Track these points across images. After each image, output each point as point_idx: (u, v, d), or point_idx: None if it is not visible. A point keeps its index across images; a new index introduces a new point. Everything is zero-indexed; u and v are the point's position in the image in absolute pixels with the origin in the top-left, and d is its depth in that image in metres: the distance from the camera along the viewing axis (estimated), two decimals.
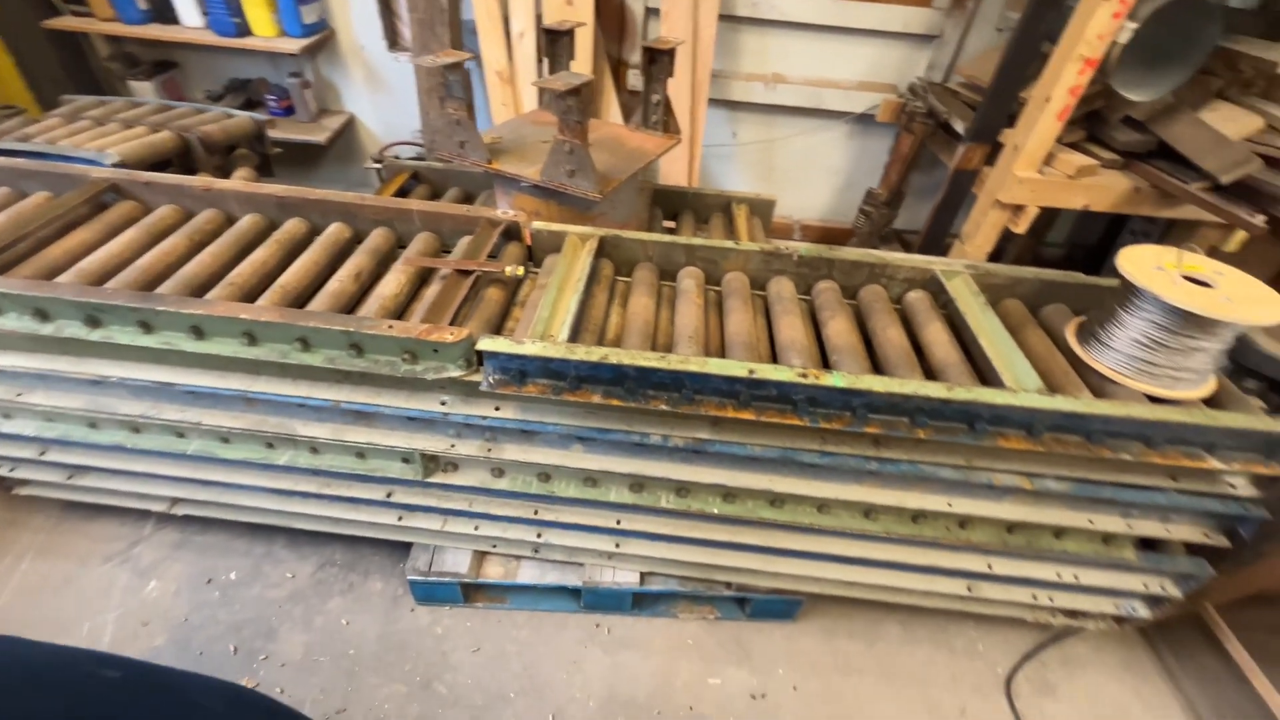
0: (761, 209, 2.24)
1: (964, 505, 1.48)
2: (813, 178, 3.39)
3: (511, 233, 1.69)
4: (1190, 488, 1.40)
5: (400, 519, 1.77)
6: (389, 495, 1.69)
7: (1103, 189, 2.17)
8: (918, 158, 2.97)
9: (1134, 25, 1.86)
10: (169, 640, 1.83)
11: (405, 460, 1.60)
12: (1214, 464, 1.28)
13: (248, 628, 1.87)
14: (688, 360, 1.23)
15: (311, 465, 1.62)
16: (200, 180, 1.69)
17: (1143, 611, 1.73)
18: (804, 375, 1.22)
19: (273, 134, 2.94)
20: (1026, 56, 2.21)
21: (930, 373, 1.42)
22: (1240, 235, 2.22)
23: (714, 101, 3.04)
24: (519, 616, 1.95)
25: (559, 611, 1.96)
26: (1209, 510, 1.41)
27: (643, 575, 1.85)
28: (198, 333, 1.35)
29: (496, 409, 1.43)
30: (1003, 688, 1.89)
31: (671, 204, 2.26)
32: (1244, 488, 1.39)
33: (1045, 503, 1.47)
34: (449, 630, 1.90)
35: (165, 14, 2.81)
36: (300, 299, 1.48)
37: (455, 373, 1.33)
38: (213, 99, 3.11)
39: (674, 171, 2.82)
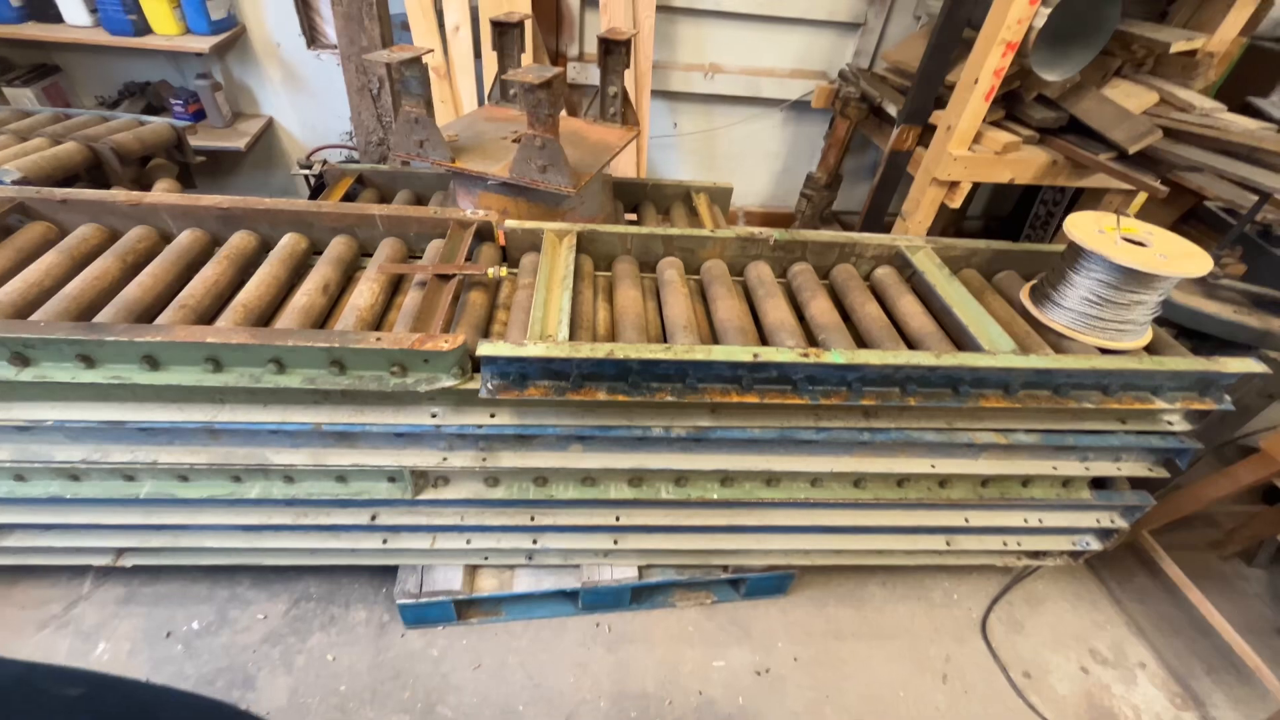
0: (720, 197, 2.28)
1: (945, 465, 1.57)
2: (753, 164, 3.47)
3: (483, 233, 1.63)
4: (1137, 428, 1.55)
5: (385, 541, 1.68)
6: (373, 518, 1.60)
7: (1025, 163, 2.36)
8: (852, 141, 3.11)
9: (1047, 10, 2.02)
10: None
11: (392, 479, 1.52)
12: (1160, 404, 1.43)
13: (221, 679, 1.72)
14: (692, 349, 1.24)
15: (286, 496, 1.51)
16: (127, 195, 1.52)
17: (1095, 545, 1.91)
18: (805, 355, 1.26)
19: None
20: (950, 42, 2.35)
21: (910, 343, 1.50)
22: (1140, 199, 2.47)
23: (655, 93, 3.05)
24: (516, 627, 1.90)
25: (557, 616, 1.93)
26: (1152, 446, 1.57)
27: (640, 569, 1.85)
28: (152, 363, 1.23)
29: (492, 416, 1.38)
30: (979, 631, 2.04)
31: (631, 196, 2.25)
32: (1179, 423, 1.56)
33: (1016, 455, 1.58)
34: (445, 651, 1.83)
35: (44, 11, 2.49)
36: (264, 317, 1.37)
37: (449, 382, 1.28)
38: (107, 106, 2.80)
39: (622, 164, 2.80)
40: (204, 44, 2.51)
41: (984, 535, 1.85)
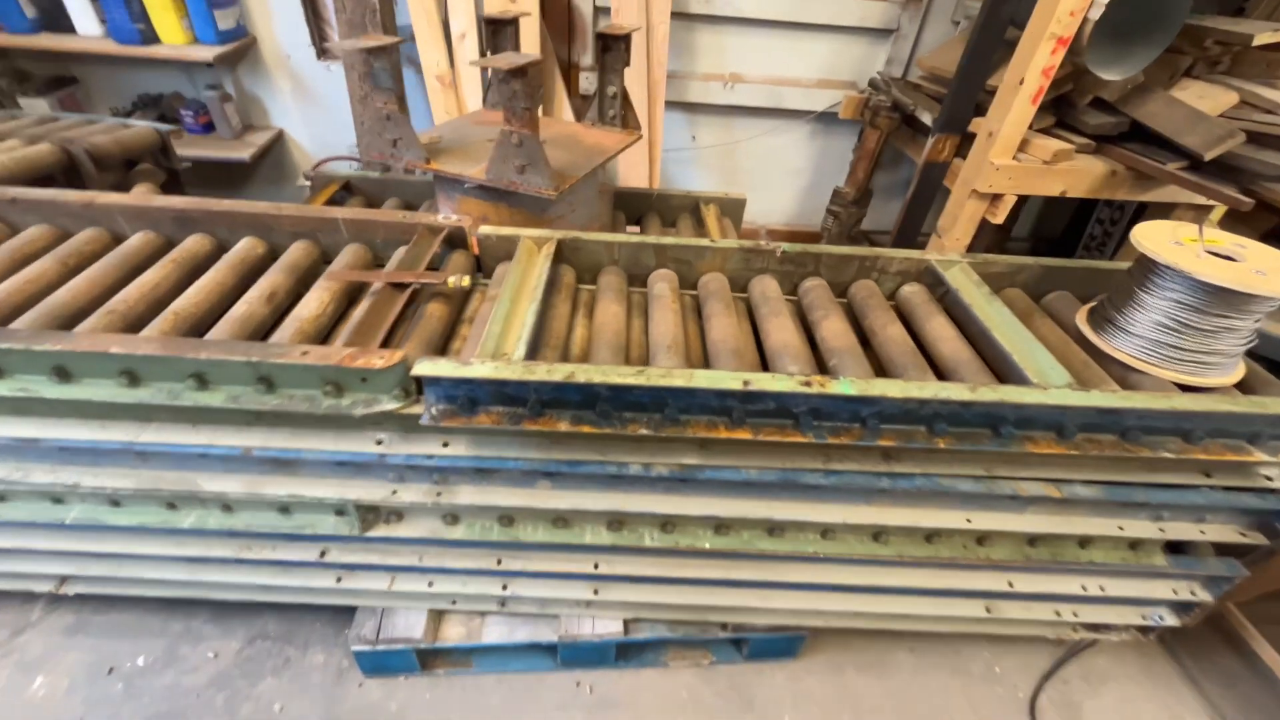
0: (732, 209, 2.09)
1: (984, 520, 1.31)
2: (776, 180, 3.28)
3: (455, 240, 1.47)
4: (1227, 483, 1.27)
5: (340, 580, 1.51)
6: (323, 554, 1.43)
7: (1079, 173, 2.10)
8: (883, 154, 2.89)
9: (1105, 1, 1.79)
10: None
11: (339, 513, 1.34)
12: (1259, 456, 1.15)
13: None
14: (670, 374, 1.04)
15: (225, 526, 1.35)
16: (78, 195, 1.42)
17: (1170, 619, 1.60)
18: (807, 384, 1.04)
19: (191, 153, 2.67)
20: (992, 43, 2.13)
21: (940, 372, 1.26)
22: (1217, 214, 2.17)
23: (672, 104, 2.90)
24: (487, 681, 1.69)
25: (534, 671, 1.71)
26: (1246, 507, 1.28)
27: (627, 623, 1.63)
28: (63, 374, 1.09)
29: (445, 445, 1.20)
30: (1026, 712, 1.73)
31: (634, 207, 2.08)
32: None
33: (1072, 510, 1.32)
34: (405, 705, 1.63)
35: (58, 22, 2.51)
36: (199, 327, 1.23)
37: (390, 405, 1.11)
38: (121, 116, 2.80)
39: (634, 175, 2.65)
40: (210, 53, 2.48)
41: (1032, 602, 1.56)
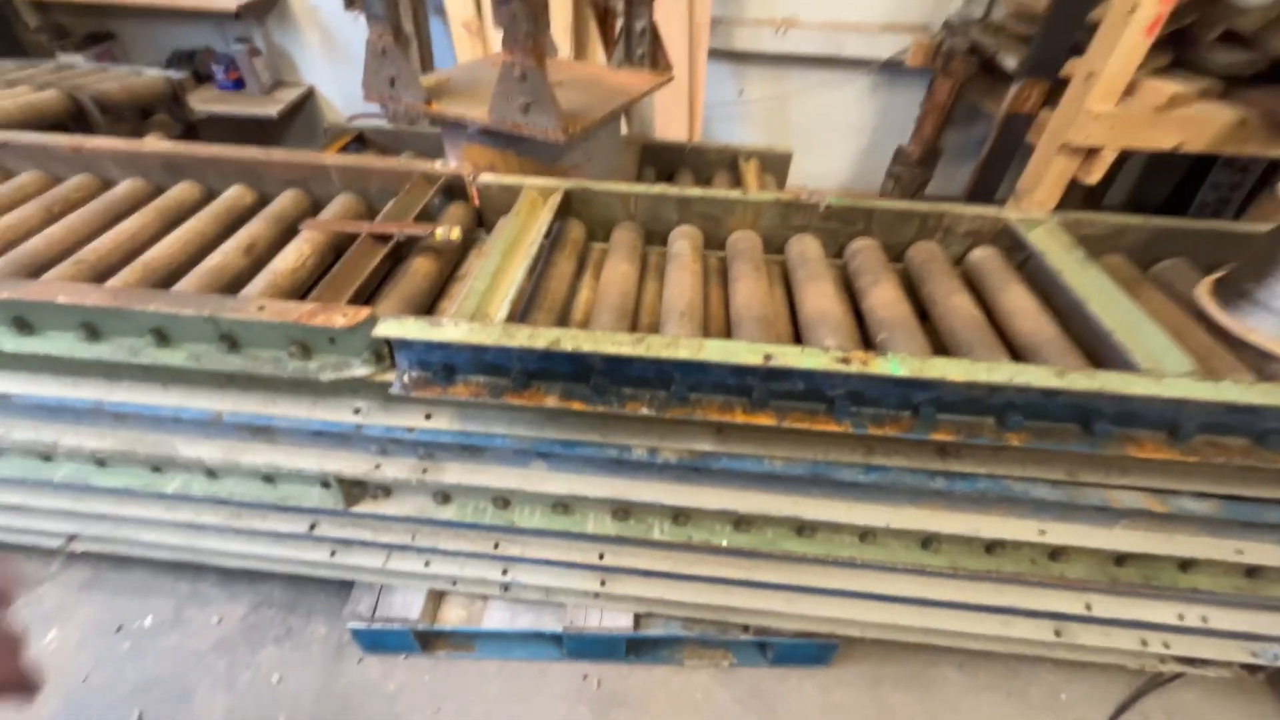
0: (775, 164, 1.86)
1: (1061, 533, 1.09)
2: (832, 139, 2.98)
3: (454, 190, 1.32)
4: None
5: (334, 554, 1.42)
6: (312, 528, 1.34)
7: (1199, 123, 1.75)
8: (955, 108, 2.55)
9: None
10: (62, 706, 1.50)
11: (324, 485, 1.24)
12: None
13: (158, 688, 1.53)
14: (676, 343, 0.86)
15: (210, 493, 1.28)
16: (68, 139, 1.34)
17: None
18: (844, 361, 0.84)
19: (220, 109, 2.62)
20: None
21: (1016, 353, 1.03)
22: None
23: (716, 53, 2.65)
24: (488, 667, 1.59)
25: (538, 660, 1.60)
26: None
27: (638, 617, 1.48)
28: (22, 325, 1.01)
29: (427, 417, 1.07)
30: None
31: (666, 161, 1.88)
32: None
33: (1177, 527, 1.07)
34: (403, 687, 1.55)
35: None
36: (169, 277, 1.13)
37: (361, 370, 0.97)
38: None
39: (672, 130, 2.43)
40: (233, 2, 2.39)
41: (1113, 628, 1.32)
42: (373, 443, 1.14)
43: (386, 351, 0.98)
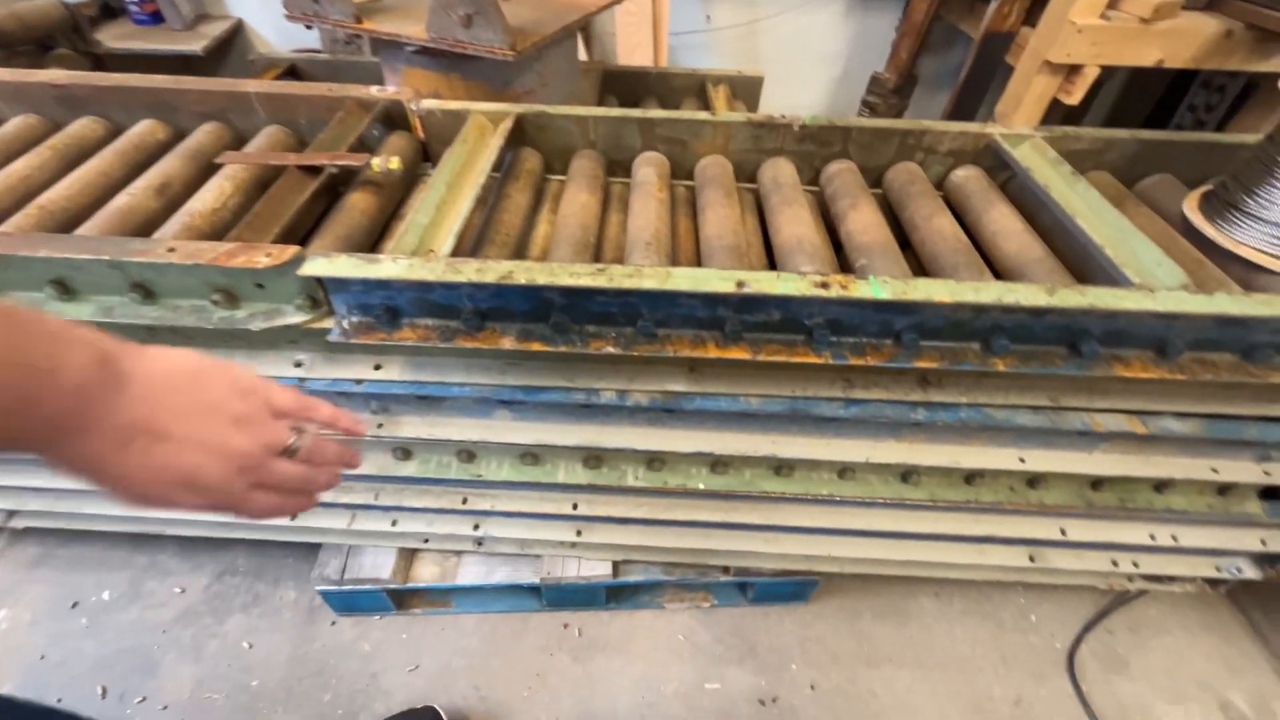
0: (746, 90, 1.74)
1: (1041, 460, 1.07)
2: (804, 68, 2.84)
3: (395, 119, 1.20)
4: None
5: (295, 517, 1.35)
6: None
7: (1182, 36, 1.68)
8: (931, 32, 2.43)
9: None
10: (20, 685, 1.44)
11: None
12: None
13: (121, 661, 1.47)
14: (640, 272, 0.78)
15: None
16: None
17: (1249, 572, 1.36)
18: (823, 285, 0.78)
19: (138, 46, 2.37)
20: None
21: (1002, 275, 0.98)
22: None
23: None
24: (467, 622, 1.57)
25: (518, 612, 1.58)
26: None
27: (616, 564, 1.46)
28: None
29: (376, 368, 0.99)
30: (1064, 667, 1.55)
31: (629, 88, 1.75)
32: None
33: (1156, 449, 1.06)
34: (379, 645, 1.52)
35: None
36: (69, 222, 1.01)
37: (295, 317, 0.88)
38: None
39: (635, 58, 2.27)
40: None
41: (1086, 551, 1.34)
42: (320, 397, 1.05)
43: (323, 295, 0.88)
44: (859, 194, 1.08)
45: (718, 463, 1.15)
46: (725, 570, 1.48)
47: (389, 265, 0.79)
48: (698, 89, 1.73)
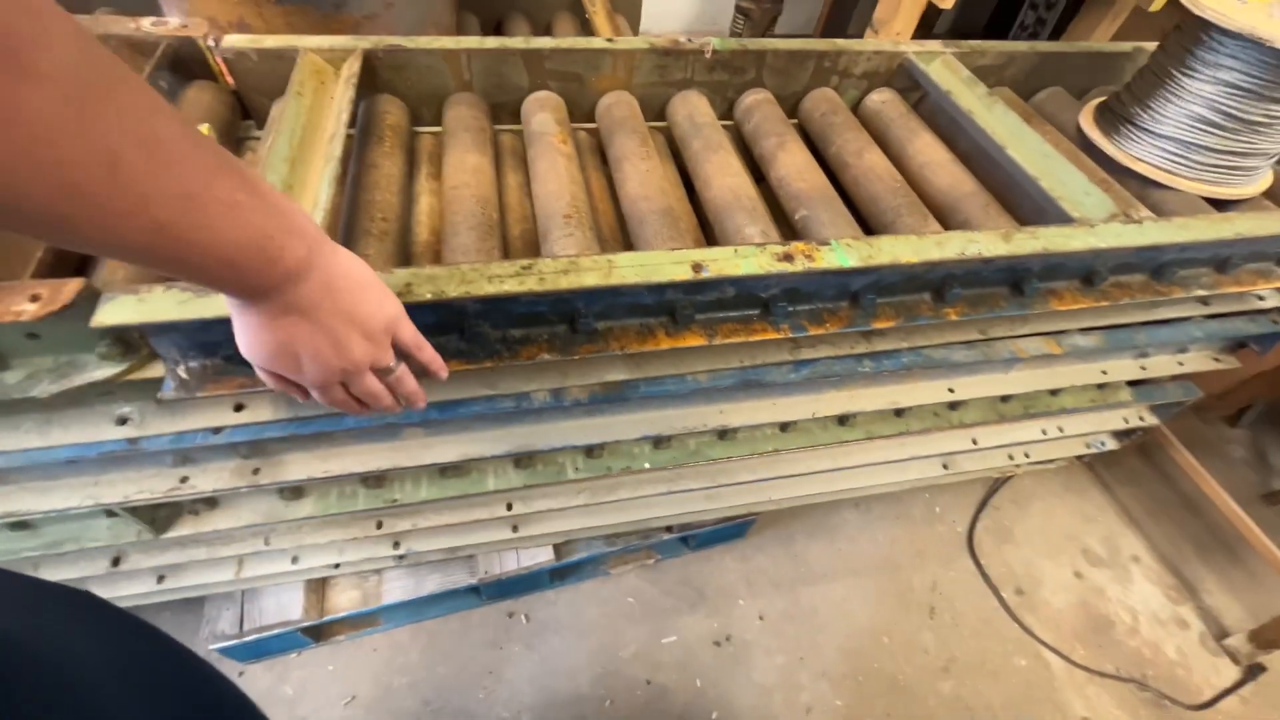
0: (626, 5, 1.52)
1: (967, 388, 1.10)
2: None
3: (186, 64, 0.88)
4: (1221, 310, 1.11)
5: (162, 580, 1.11)
6: (117, 562, 1.01)
7: None
8: None
9: None
10: None
11: (113, 515, 0.91)
12: None
13: None
14: (577, 266, 0.64)
15: None
16: None
17: (1110, 444, 1.57)
18: (787, 258, 0.68)
19: None
20: None
21: (936, 211, 0.94)
22: None
23: None
24: (401, 636, 1.43)
25: (457, 612, 1.47)
26: (1235, 334, 1.14)
27: (557, 548, 1.38)
28: None
29: (238, 409, 0.77)
30: (966, 548, 1.74)
31: (490, 7, 1.46)
32: (1272, 299, 1.12)
33: (1062, 363, 1.13)
34: (304, 685, 1.35)
35: None
36: None
37: (102, 370, 0.64)
38: None
39: None
40: None
41: (990, 452, 1.46)
42: (166, 455, 0.81)
43: (136, 336, 0.64)
44: (784, 130, 0.98)
45: (661, 441, 1.07)
46: (668, 530, 1.46)
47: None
48: (571, 3, 1.49)
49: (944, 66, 1.07)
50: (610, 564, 1.56)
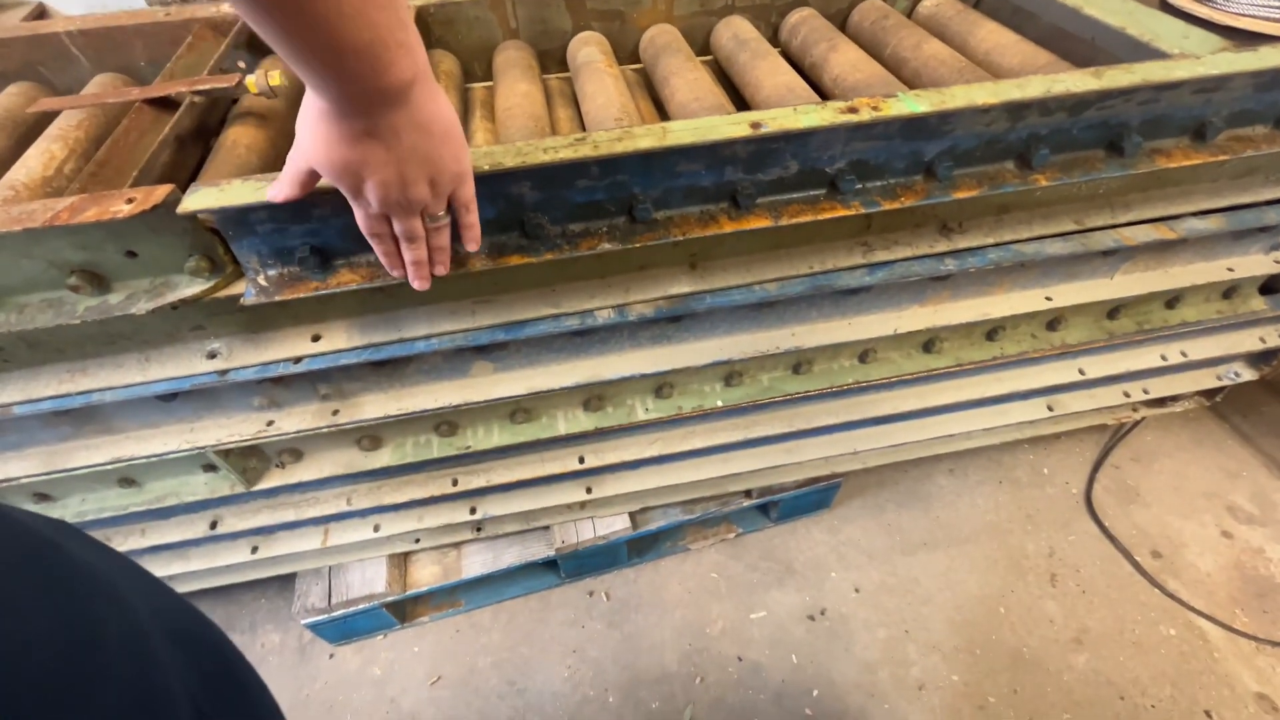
0: None
1: (1066, 294, 1.00)
2: None
3: (260, 40, 0.95)
4: None
5: (256, 550, 1.14)
6: (214, 525, 1.05)
7: None
8: None
9: None
10: None
11: (208, 468, 0.95)
12: None
13: None
14: (630, 134, 0.62)
15: (61, 515, 0.95)
16: None
17: (1246, 374, 1.38)
18: (852, 110, 0.64)
19: None
20: None
21: None
22: None
23: None
24: (482, 617, 1.41)
25: (535, 593, 1.44)
26: None
27: (633, 516, 1.33)
28: None
29: (315, 338, 0.79)
30: (1085, 509, 1.56)
31: None
32: None
33: (1176, 257, 1.01)
34: (391, 666, 1.35)
35: None
36: None
37: (192, 287, 0.67)
38: None
39: None
40: None
41: (1100, 388, 1.31)
42: (252, 392, 0.85)
43: (222, 251, 0.67)
44: (833, 35, 0.95)
45: (733, 374, 1.02)
46: (748, 495, 1.39)
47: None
48: None
49: None
50: (689, 538, 1.50)
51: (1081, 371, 1.22)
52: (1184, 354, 1.24)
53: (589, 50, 0.94)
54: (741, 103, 0.94)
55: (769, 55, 0.90)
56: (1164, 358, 1.24)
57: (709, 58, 1.06)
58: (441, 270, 0.61)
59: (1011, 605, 1.40)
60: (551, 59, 1.04)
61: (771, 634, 1.37)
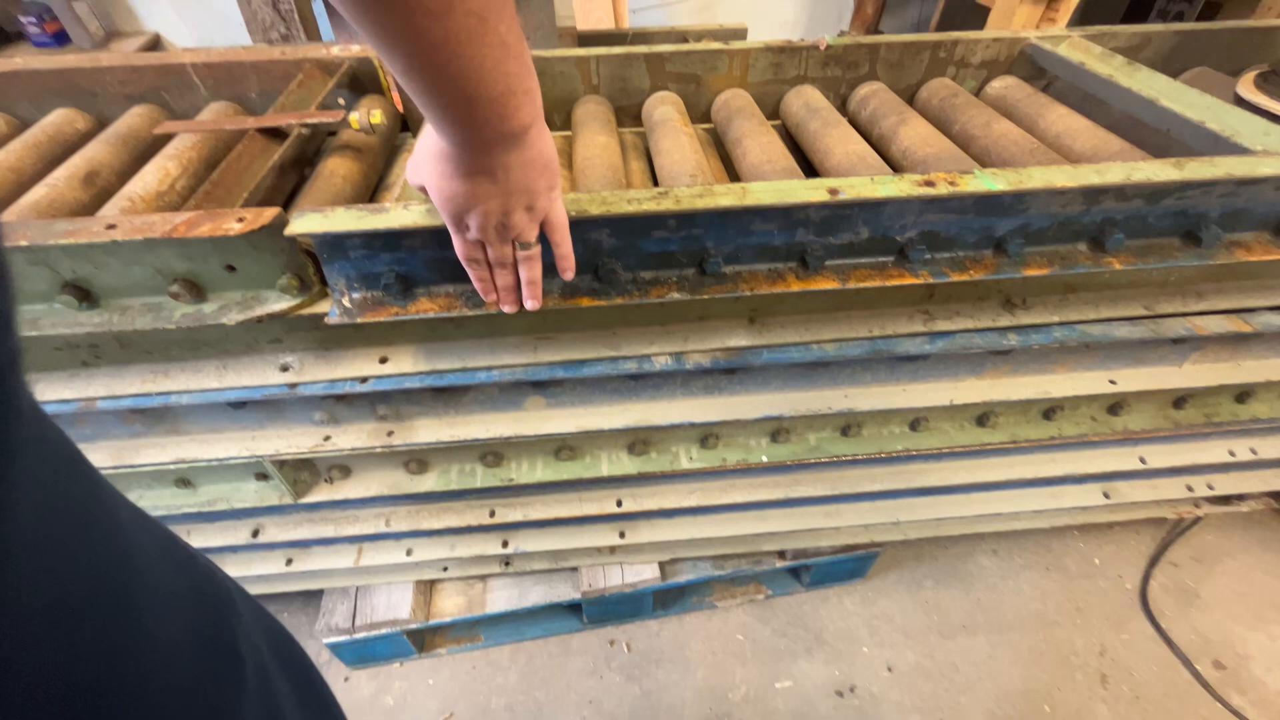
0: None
1: (1131, 380, 0.97)
2: (763, 32, 2.78)
3: (364, 81, 1.03)
4: None
5: (291, 563, 1.16)
6: (256, 534, 1.07)
7: None
8: None
9: None
10: None
11: (260, 476, 0.98)
12: None
13: None
14: (711, 191, 0.65)
15: None
16: None
17: None
18: (928, 184, 0.65)
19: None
20: None
21: None
22: None
23: None
24: (500, 655, 1.39)
25: (556, 635, 1.41)
26: None
27: (662, 566, 1.31)
28: None
29: (383, 361, 0.82)
30: (1139, 607, 1.47)
31: None
32: None
33: (1248, 351, 0.98)
34: (404, 697, 1.33)
35: None
36: None
37: (281, 302, 0.71)
38: None
39: (593, 22, 2.14)
40: None
41: (1161, 479, 1.26)
42: (315, 407, 0.88)
43: (311, 271, 0.71)
44: (903, 109, 0.98)
45: (781, 430, 1.01)
46: (780, 556, 1.35)
47: (401, 213, 0.63)
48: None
49: (1073, 47, 1.04)
50: (717, 594, 1.46)
51: (1142, 460, 1.17)
52: (1253, 451, 1.19)
53: (665, 109, 0.98)
54: (809, 167, 0.97)
55: (840, 124, 0.93)
56: (1232, 453, 1.19)
57: (778, 123, 1.09)
58: (533, 304, 0.63)
59: (1058, 704, 1.31)
60: (626, 114, 1.09)
61: (796, 707, 1.31)
